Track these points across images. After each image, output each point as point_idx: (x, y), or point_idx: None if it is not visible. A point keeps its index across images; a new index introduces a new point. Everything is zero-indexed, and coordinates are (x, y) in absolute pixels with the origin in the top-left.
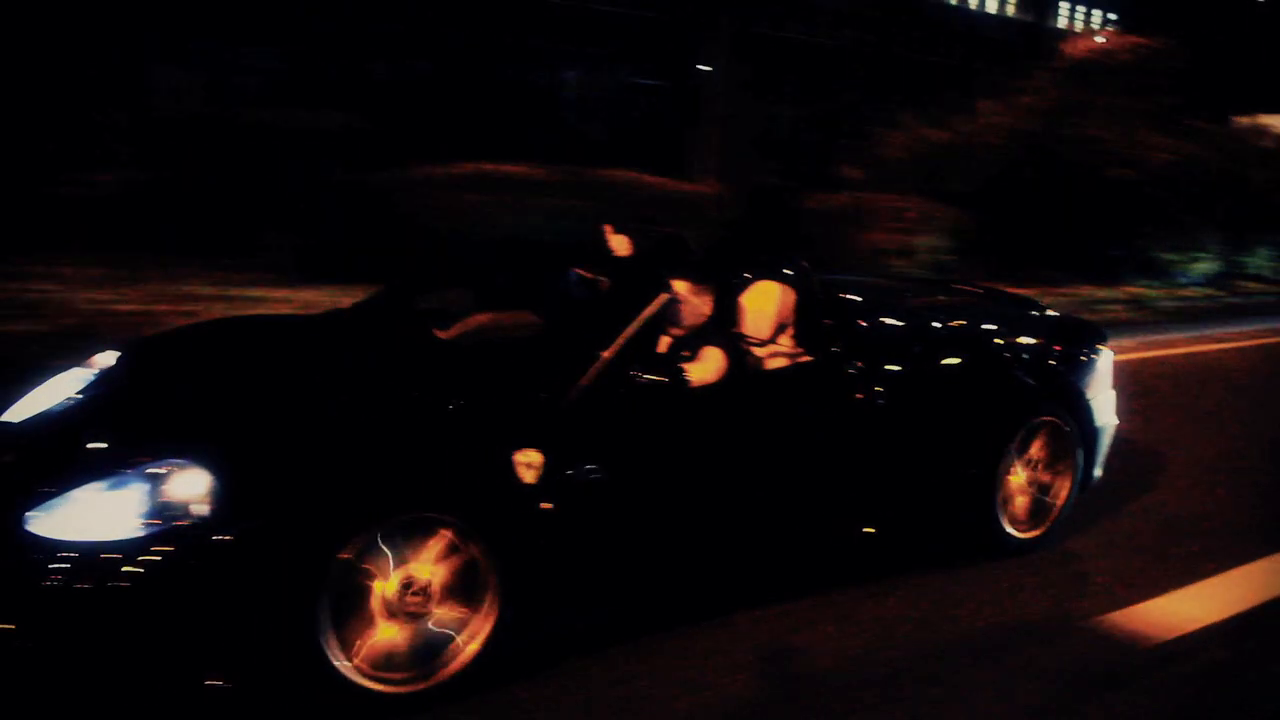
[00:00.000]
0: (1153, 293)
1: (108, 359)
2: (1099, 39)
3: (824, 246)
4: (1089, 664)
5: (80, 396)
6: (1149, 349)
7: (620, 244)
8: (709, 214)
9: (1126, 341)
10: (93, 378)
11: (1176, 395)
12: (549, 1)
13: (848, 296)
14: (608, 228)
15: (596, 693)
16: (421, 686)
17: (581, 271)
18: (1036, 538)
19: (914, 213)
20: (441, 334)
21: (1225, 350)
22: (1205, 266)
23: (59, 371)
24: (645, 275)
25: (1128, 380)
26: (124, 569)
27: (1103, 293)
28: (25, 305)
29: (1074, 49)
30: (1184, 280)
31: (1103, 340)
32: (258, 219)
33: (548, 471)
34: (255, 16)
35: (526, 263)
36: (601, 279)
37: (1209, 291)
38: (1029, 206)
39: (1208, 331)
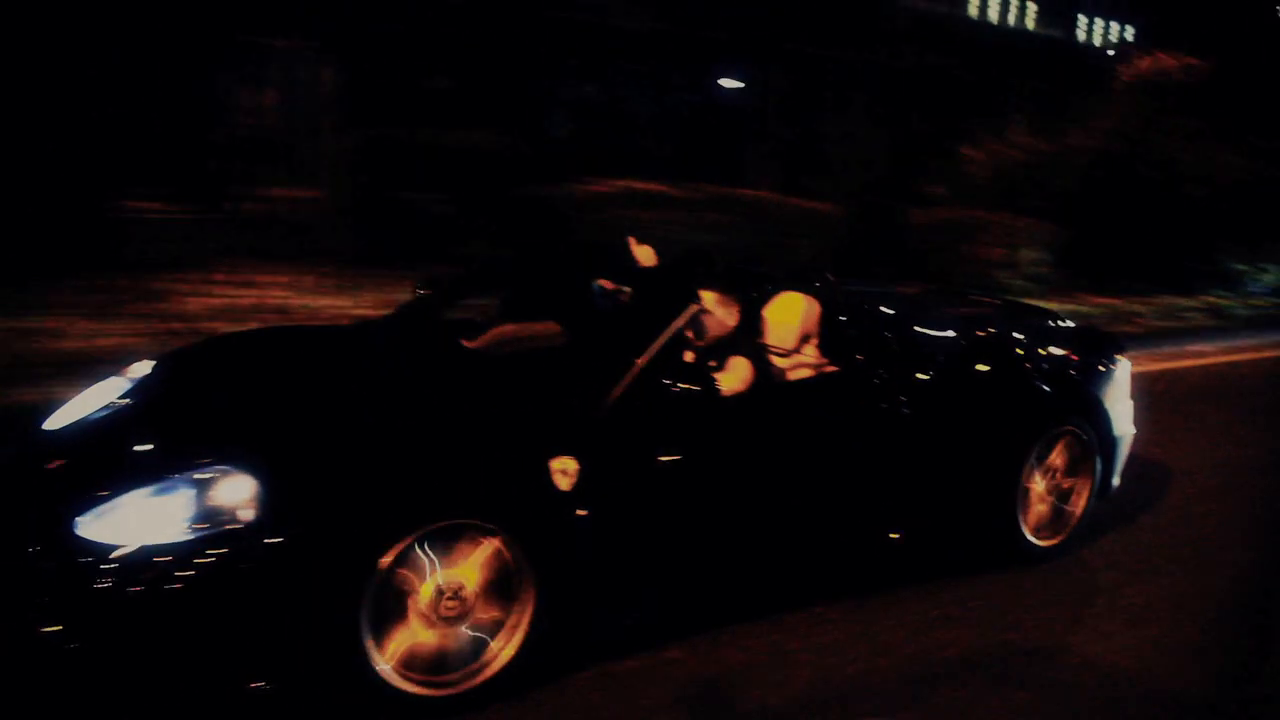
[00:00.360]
0: (1228, 302)
1: (143, 369)
2: (1151, 59)
3: (934, 260)
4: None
5: (119, 405)
6: (1233, 354)
7: (644, 255)
8: (835, 230)
9: (1208, 346)
10: (128, 387)
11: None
12: (624, 29)
13: (871, 308)
14: (631, 239)
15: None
16: (457, 690)
17: (605, 283)
18: (1055, 546)
19: (1019, 226)
20: (469, 344)
21: None
22: (1271, 278)
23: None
24: (675, 286)
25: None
26: (171, 573)
27: (1184, 301)
28: None
29: (1133, 71)
30: (1255, 289)
31: (1120, 350)
32: (458, 233)
33: (583, 479)
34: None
35: (552, 274)
36: (625, 289)
37: (1277, 301)
38: (1110, 221)
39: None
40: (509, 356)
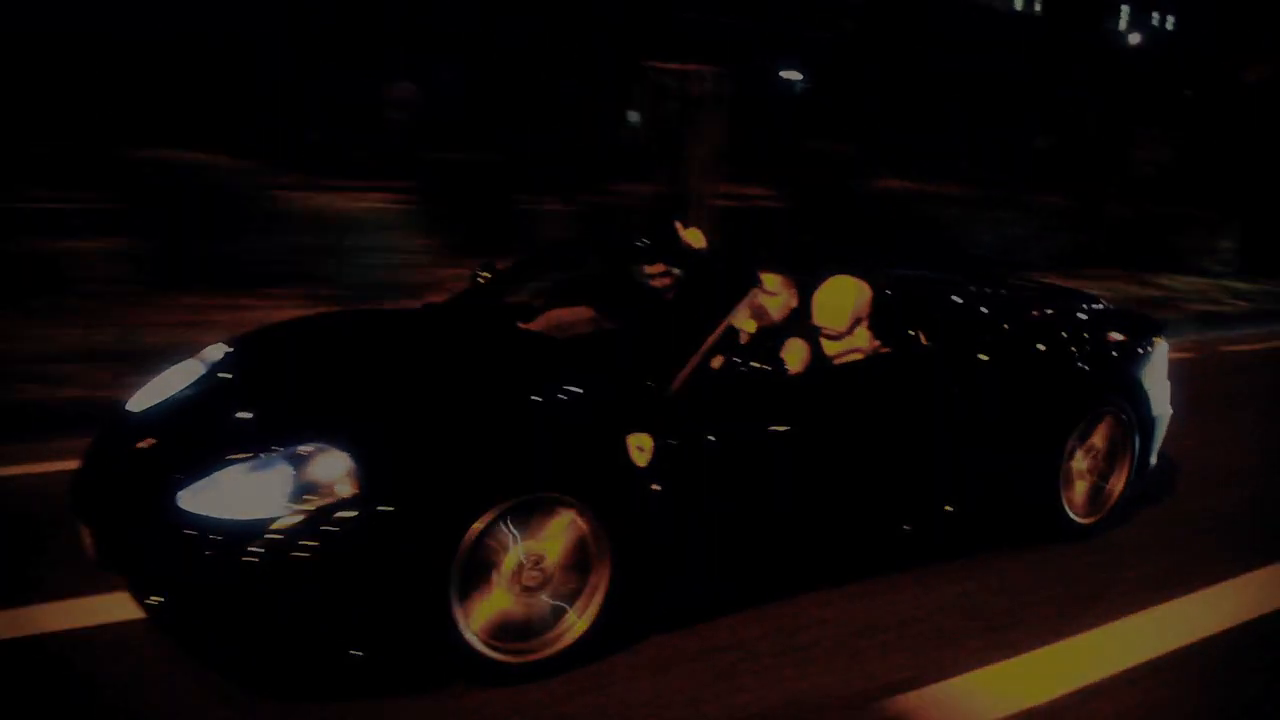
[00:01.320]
0: None
1: (216, 352)
2: None
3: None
4: None
5: (201, 386)
6: None
7: (694, 238)
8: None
9: None
10: (205, 369)
11: None
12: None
13: (922, 290)
14: (679, 224)
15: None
16: (537, 657)
17: (654, 268)
18: (1094, 523)
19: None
20: (526, 326)
21: None
22: None
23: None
24: (738, 269)
25: None
26: (273, 545)
27: None
28: None
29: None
30: None
31: (1159, 332)
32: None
33: (657, 454)
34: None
35: (601, 259)
36: (674, 271)
37: None
38: None
39: None
40: (573, 338)
